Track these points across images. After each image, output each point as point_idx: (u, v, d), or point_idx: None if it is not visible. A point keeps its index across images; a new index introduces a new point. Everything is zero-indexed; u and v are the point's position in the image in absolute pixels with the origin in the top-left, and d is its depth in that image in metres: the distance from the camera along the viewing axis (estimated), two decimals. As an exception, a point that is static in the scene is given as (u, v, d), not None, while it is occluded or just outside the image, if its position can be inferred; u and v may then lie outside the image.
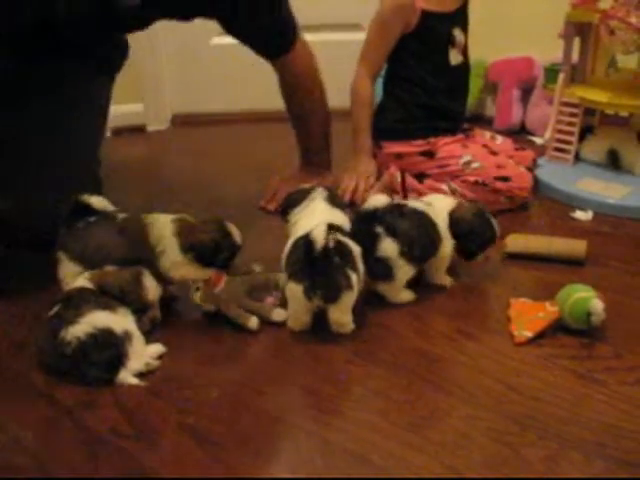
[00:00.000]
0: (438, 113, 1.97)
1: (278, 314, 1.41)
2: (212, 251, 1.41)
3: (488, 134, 2.11)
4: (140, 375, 1.26)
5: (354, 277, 1.33)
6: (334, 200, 1.50)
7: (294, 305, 1.37)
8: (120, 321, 1.27)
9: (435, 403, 1.20)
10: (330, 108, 2.79)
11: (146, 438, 1.14)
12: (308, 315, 1.37)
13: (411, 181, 1.94)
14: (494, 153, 1.98)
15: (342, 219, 1.45)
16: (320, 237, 1.29)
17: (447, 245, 1.52)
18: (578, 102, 2.12)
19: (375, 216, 1.46)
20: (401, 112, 1.97)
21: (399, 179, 1.93)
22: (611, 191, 1.98)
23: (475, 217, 1.53)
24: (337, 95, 2.82)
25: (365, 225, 1.45)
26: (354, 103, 2.01)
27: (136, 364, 1.25)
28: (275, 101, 2.82)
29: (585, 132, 2.19)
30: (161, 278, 1.41)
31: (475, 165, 1.92)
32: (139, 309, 1.35)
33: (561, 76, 2.14)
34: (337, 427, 1.15)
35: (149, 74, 2.71)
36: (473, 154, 1.94)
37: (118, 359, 1.24)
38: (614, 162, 2.12)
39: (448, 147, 1.95)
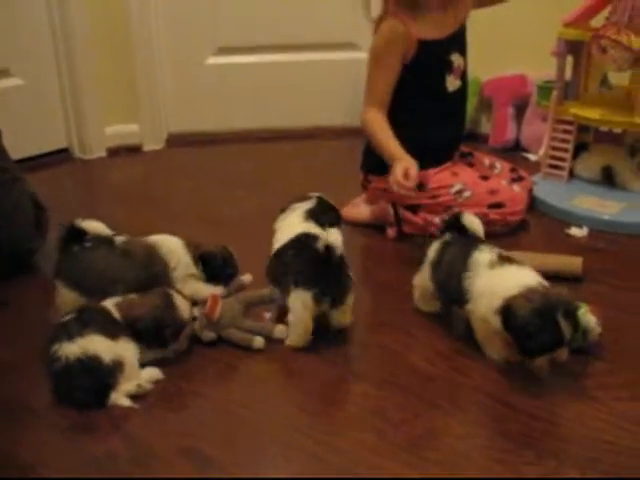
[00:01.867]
0: (430, 144, 1.89)
1: (279, 331, 1.42)
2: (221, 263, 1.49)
3: (487, 161, 2.06)
4: (135, 398, 1.26)
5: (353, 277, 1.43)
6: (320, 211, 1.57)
7: (300, 313, 1.37)
8: (115, 350, 1.26)
9: (432, 422, 1.20)
10: (326, 126, 2.85)
11: (143, 462, 1.13)
12: (312, 323, 1.39)
13: (404, 212, 1.91)
14: (485, 177, 1.94)
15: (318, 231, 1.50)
16: (340, 243, 1.35)
17: None
18: (572, 119, 2.13)
19: None
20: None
21: (391, 212, 1.91)
22: (606, 207, 1.99)
23: (534, 314, 1.24)
24: (334, 113, 2.86)
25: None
26: (368, 131, 1.86)
27: (128, 387, 1.25)
28: (270, 120, 2.87)
29: (579, 149, 2.20)
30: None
31: (467, 194, 1.87)
32: (177, 330, 1.35)
33: (554, 93, 2.16)
34: (334, 447, 1.15)
35: (145, 94, 2.71)
36: (464, 182, 1.89)
37: (104, 386, 1.23)
38: (608, 179, 2.13)
39: (437, 177, 1.90)
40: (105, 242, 1.46)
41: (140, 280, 1.41)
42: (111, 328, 1.28)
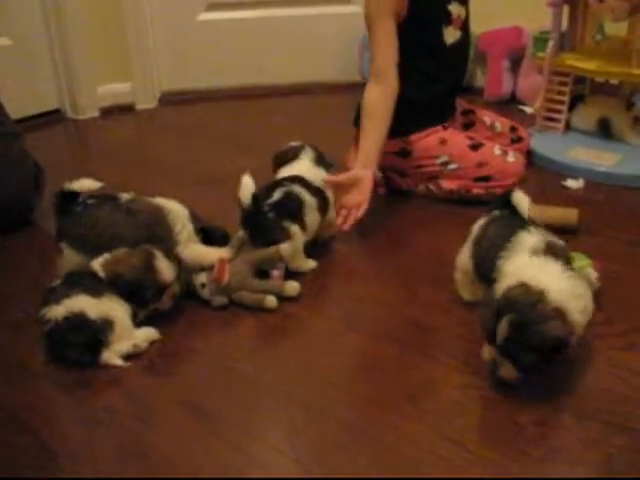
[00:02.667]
0: (430, 99, 1.85)
1: (291, 288, 1.42)
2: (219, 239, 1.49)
3: (489, 120, 2.02)
4: (132, 356, 1.27)
5: (294, 228, 1.46)
6: (320, 160, 1.63)
7: None
8: (100, 307, 1.26)
9: (429, 373, 1.21)
10: (318, 82, 2.82)
11: (144, 415, 1.15)
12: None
13: (391, 175, 1.90)
14: (476, 146, 1.84)
15: (318, 175, 1.58)
16: (244, 195, 1.42)
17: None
18: (567, 70, 2.11)
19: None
20: None
21: (379, 173, 1.85)
22: (602, 159, 1.98)
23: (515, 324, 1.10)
24: (326, 69, 2.84)
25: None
26: (362, 111, 1.73)
27: (122, 346, 1.26)
28: (263, 76, 2.84)
29: (576, 101, 2.18)
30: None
31: (453, 166, 1.82)
32: (159, 291, 1.35)
33: (550, 44, 2.13)
34: (332, 398, 1.16)
35: (136, 52, 2.68)
36: (450, 153, 1.82)
37: (95, 342, 1.24)
38: (605, 130, 2.12)
39: (423, 143, 1.84)
40: (109, 199, 1.45)
41: (142, 239, 1.40)
42: (96, 287, 1.28)
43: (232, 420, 1.13)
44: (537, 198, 1.82)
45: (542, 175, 1.98)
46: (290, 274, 1.48)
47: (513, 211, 1.34)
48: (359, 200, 1.57)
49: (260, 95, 2.77)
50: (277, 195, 1.49)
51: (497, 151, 1.85)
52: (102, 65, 2.65)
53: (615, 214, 1.75)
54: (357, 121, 1.81)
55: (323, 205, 1.57)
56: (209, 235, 1.50)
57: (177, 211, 1.46)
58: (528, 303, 1.10)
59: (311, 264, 1.54)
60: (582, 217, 1.66)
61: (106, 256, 1.35)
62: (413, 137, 1.84)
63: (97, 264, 1.33)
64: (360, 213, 1.57)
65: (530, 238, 1.24)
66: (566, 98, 2.14)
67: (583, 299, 1.15)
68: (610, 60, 2.06)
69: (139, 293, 1.32)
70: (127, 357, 1.27)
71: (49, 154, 2.17)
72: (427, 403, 1.14)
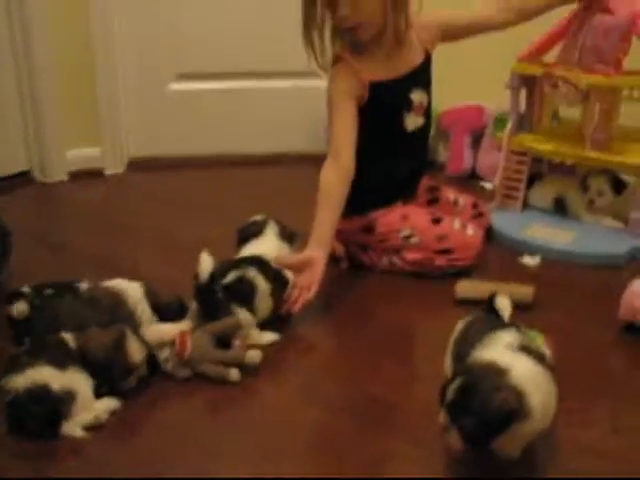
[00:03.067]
0: (389, 181, 1.91)
1: (252, 357, 1.43)
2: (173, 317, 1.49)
3: (452, 197, 2.07)
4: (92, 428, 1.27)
5: (242, 313, 1.49)
6: (284, 234, 1.68)
7: None
8: (64, 379, 1.26)
9: (388, 448, 1.23)
10: (287, 152, 2.88)
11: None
12: None
13: (354, 250, 1.94)
14: (437, 220, 1.89)
15: (282, 252, 1.63)
16: (202, 273, 1.48)
17: None
18: (525, 151, 2.20)
19: None
20: None
21: (342, 249, 1.92)
22: (558, 237, 2.05)
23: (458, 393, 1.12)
24: (294, 140, 2.90)
25: None
26: (318, 190, 1.74)
27: (83, 418, 1.26)
28: (233, 145, 2.89)
29: (533, 179, 2.26)
30: None
31: (415, 240, 1.86)
32: (127, 371, 1.35)
33: (508, 125, 2.22)
34: (290, 472, 1.17)
35: (106, 118, 2.72)
36: (412, 226, 1.87)
37: (56, 415, 1.24)
38: (560, 209, 2.20)
39: (385, 220, 1.88)
40: (68, 289, 1.47)
41: (106, 326, 1.41)
42: (62, 358, 1.29)
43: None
44: (494, 274, 1.90)
45: (500, 251, 2.04)
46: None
47: (495, 314, 1.35)
48: (310, 281, 1.59)
49: (228, 165, 2.82)
50: (230, 277, 1.52)
51: (456, 225, 1.90)
52: (72, 129, 2.69)
53: (569, 291, 1.81)
54: None
55: (280, 287, 1.58)
56: (165, 311, 1.51)
57: (135, 294, 1.48)
58: (484, 371, 1.11)
59: (269, 337, 1.56)
60: (537, 294, 1.70)
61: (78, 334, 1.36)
62: (375, 214, 1.89)
63: (70, 335, 1.34)
64: (311, 294, 1.58)
65: (508, 337, 1.23)
66: (523, 177, 2.22)
67: (547, 394, 1.15)
68: (565, 142, 2.14)
69: (107, 372, 1.33)
70: (88, 427, 1.26)
71: (16, 217, 2.18)
72: (385, 477, 1.16)
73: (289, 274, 1.62)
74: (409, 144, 1.93)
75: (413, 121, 1.90)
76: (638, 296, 1.56)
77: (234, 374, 1.40)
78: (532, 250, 1.99)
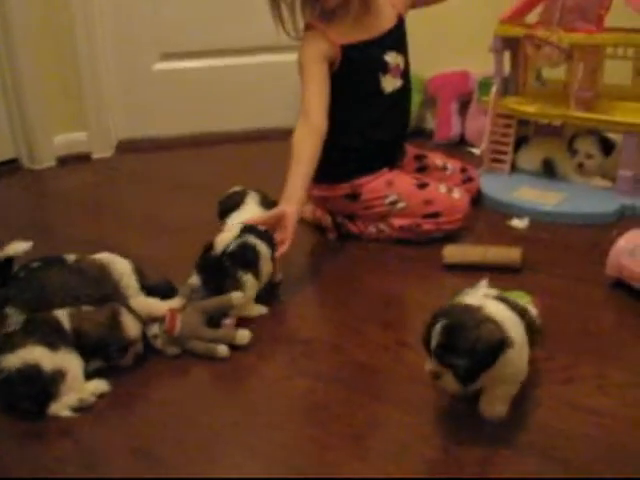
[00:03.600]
0: (372, 147, 1.90)
1: (242, 336, 1.43)
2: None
3: (440, 163, 2.07)
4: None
5: (248, 278, 1.50)
6: (266, 201, 1.67)
7: None
8: (55, 360, 1.27)
9: (375, 414, 1.23)
10: (272, 128, 2.87)
11: (95, 465, 1.15)
12: None
13: (341, 219, 1.95)
14: (423, 185, 1.89)
15: None
16: (219, 245, 1.50)
17: None
18: (511, 113, 2.19)
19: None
20: (324, 156, 1.75)
21: (329, 219, 1.94)
22: (546, 198, 2.04)
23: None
24: (279, 114, 2.89)
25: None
26: (291, 150, 1.75)
27: (69, 399, 1.26)
28: (219, 123, 2.88)
29: (520, 142, 2.26)
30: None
31: (401, 205, 1.86)
32: (124, 347, 1.36)
33: (493, 89, 2.21)
34: (279, 442, 1.18)
35: (92, 101, 2.71)
36: (398, 192, 1.87)
37: (45, 395, 1.25)
38: (549, 170, 2.20)
39: (371, 186, 1.88)
40: (56, 261, 1.46)
41: (94, 296, 1.42)
42: (54, 338, 1.29)
43: (182, 467, 1.14)
44: (483, 238, 1.90)
45: (488, 215, 2.03)
46: (239, 319, 1.50)
47: None
48: (284, 237, 1.60)
49: (215, 143, 2.82)
50: (233, 246, 1.52)
51: (442, 189, 1.90)
52: (58, 115, 2.68)
53: (558, 252, 1.81)
54: None
55: (274, 252, 1.60)
56: (153, 293, 1.50)
57: (121, 267, 1.48)
58: (462, 311, 1.14)
59: (260, 309, 1.57)
60: (526, 255, 1.71)
61: (74, 309, 1.35)
62: (360, 180, 1.88)
63: (64, 314, 1.34)
64: (285, 248, 1.59)
65: (485, 290, 1.26)
66: (510, 140, 2.21)
67: (521, 338, 1.16)
68: (550, 103, 2.14)
69: (103, 350, 1.34)
70: (77, 408, 1.27)
71: (6, 204, 2.18)
72: (372, 443, 1.17)
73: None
74: (389, 106, 1.93)
75: (391, 83, 1.91)
76: (624, 252, 1.56)
77: (222, 350, 1.40)
78: (521, 212, 1.99)
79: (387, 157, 1.96)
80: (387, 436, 1.18)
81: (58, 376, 1.25)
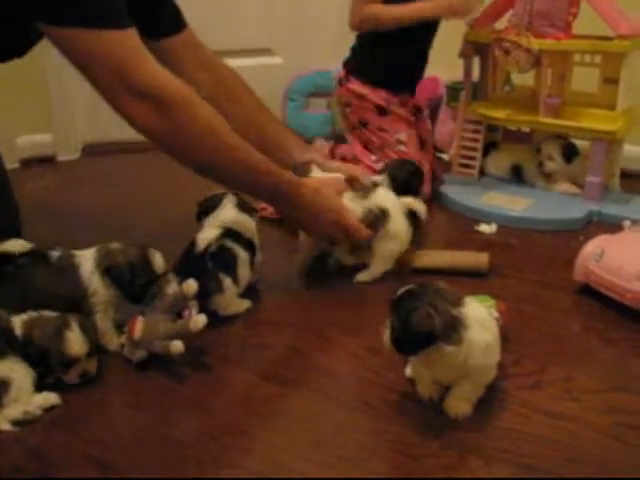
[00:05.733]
0: (403, 70, 2.15)
1: (195, 323, 1.37)
2: (129, 274, 1.40)
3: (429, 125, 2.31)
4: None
5: (227, 281, 1.49)
6: (243, 206, 1.63)
7: None
8: (0, 368, 1.22)
9: (338, 419, 1.21)
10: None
11: (50, 473, 1.11)
12: None
13: (339, 149, 2.21)
14: (423, 142, 2.17)
15: (245, 224, 1.59)
16: (202, 242, 1.49)
17: None
18: (480, 119, 2.19)
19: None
20: (372, 59, 2.13)
21: (326, 147, 2.22)
22: (514, 204, 2.05)
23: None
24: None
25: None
26: (379, 17, 2.03)
27: (13, 411, 1.21)
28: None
29: (489, 148, 2.26)
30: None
31: (401, 148, 2.11)
32: (65, 363, 1.30)
33: (462, 94, 2.21)
34: (241, 448, 1.15)
35: (57, 102, 2.67)
36: (408, 138, 2.13)
37: None
38: (517, 176, 2.20)
39: (398, 114, 2.14)
40: (40, 258, 1.41)
41: (74, 297, 1.38)
42: (2, 346, 1.24)
43: (140, 473, 1.11)
44: (451, 243, 1.90)
45: (456, 220, 2.03)
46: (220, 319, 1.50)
47: None
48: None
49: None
50: (213, 247, 1.51)
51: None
52: (22, 115, 2.63)
53: (526, 257, 1.81)
54: (350, 64, 2.23)
55: (253, 257, 1.59)
56: (116, 277, 1.43)
57: (89, 266, 1.42)
58: (433, 289, 1.16)
59: (246, 304, 1.57)
60: (493, 260, 1.70)
61: (30, 315, 1.31)
62: (395, 107, 2.15)
63: (19, 321, 1.29)
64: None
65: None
66: (479, 145, 2.22)
67: (491, 341, 1.18)
68: (519, 108, 2.14)
69: (45, 360, 1.28)
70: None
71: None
72: (336, 449, 1.14)
73: (257, 242, 1.62)
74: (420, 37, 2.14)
75: None
76: (591, 258, 1.55)
77: (176, 346, 1.34)
78: (489, 218, 1.99)
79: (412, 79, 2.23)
80: (352, 442, 1.16)
81: (1, 386, 1.20)
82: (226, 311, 1.53)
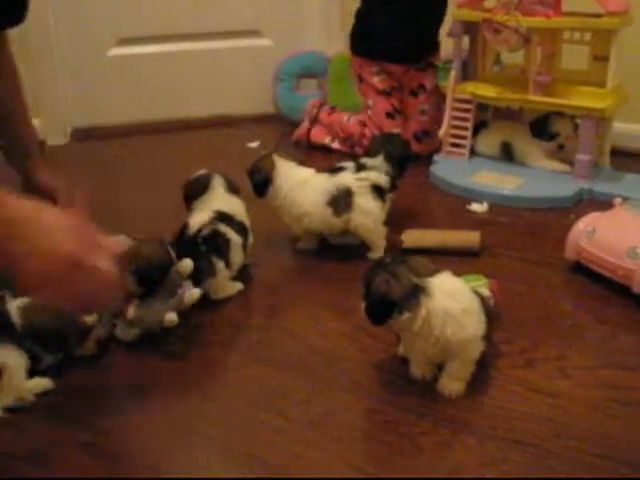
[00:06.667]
0: (382, 36, 2.31)
1: (191, 295, 1.39)
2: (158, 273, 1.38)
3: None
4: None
5: (220, 264, 1.49)
6: (232, 187, 1.63)
7: None
8: None
9: (332, 400, 1.21)
10: (232, 114, 2.84)
11: (40, 459, 1.11)
12: None
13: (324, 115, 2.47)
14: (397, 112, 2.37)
15: (236, 207, 1.60)
16: (194, 226, 1.50)
17: None
18: (469, 98, 2.18)
19: None
20: (355, 26, 2.40)
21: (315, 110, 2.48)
22: (505, 182, 2.04)
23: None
24: (238, 102, 2.86)
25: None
26: None
27: (5, 398, 1.21)
28: (176, 110, 2.84)
29: (479, 127, 2.25)
30: None
31: (369, 112, 2.38)
32: (81, 335, 1.31)
33: (452, 73, 2.20)
34: (236, 430, 1.16)
35: (45, 88, 2.64)
36: (374, 104, 2.35)
37: None
38: (507, 154, 2.20)
39: (369, 83, 2.36)
40: None
41: None
42: None
43: (135, 459, 1.11)
44: (442, 222, 1.90)
45: (447, 200, 2.03)
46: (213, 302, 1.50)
47: None
48: None
49: (175, 129, 2.77)
50: (206, 231, 1.51)
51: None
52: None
53: (517, 235, 1.80)
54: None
55: (245, 241, 1.59)
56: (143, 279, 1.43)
57: None
58: (402, 259, 1.18)
59: (238, 286, 1.57)
60: (485, 239, 1.70)
61: (25, 301, 1.29)
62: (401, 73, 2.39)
63: (15, 308, 1.28)
64: None
65: None
66: (469, 124, 2.21)
67: (469, 314, 1.19)
68: (509, 87, 2.13)
69: (61, 340, 1.29)
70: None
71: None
72: (330, 430, 1.14)
73: (248, 224, 1.62)
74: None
75: None
76: (582, 235, 1.56)
77: (170, 317, 1.35)
78: (480, 197, 1.98)
79: (411, 52, 2.35)
80: (346, 423, 1.16)
81: None
82: (218, 295, 1.53)
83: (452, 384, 1.21)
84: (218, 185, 1.63)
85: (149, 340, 1.38)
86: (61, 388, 1.27)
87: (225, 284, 1.54)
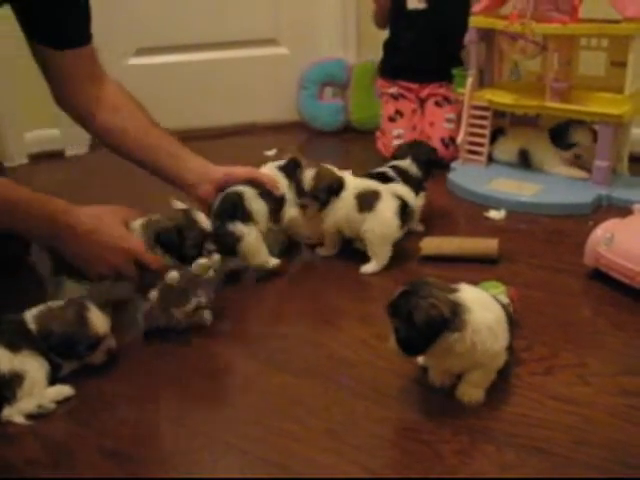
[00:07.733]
0: (402, 58, 2.48)
1: (172, 278, 1.39)
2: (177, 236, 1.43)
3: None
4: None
5: (239, 227, 1.58)
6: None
7: None
8: (14, 362, 1.22)
9: (351, 407, 1.22)
10: (255, 122, 2.85)
11: (64, 466, 1.12)
12: None
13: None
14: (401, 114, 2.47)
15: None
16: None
17: None
18: (487, 105, 2.18)
19: None
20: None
21: None
22: (523, 189, 2.04)
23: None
24: (255, 110, 2.87)
25: None
26: None
27: (27, 405, 1.22)
28: (193, 119, 2.85)
29: (497, 133, 2.25)
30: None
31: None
32: (92, 344, 1.32)
33: (469, 80, 2.20)
34: (255, 437, 1.16)
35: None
36: (404, 128, 2.43)
37: None
38: (525, 161, 2.19)
39: (387, 94, 2.50)
40: None
41: None
42: (17, 340, 1.25)
43: (155, 464, 1.12)
44: (460, 229, 1.90)
45: (465, 207, 2.03)
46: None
47: None
48: None
49: (194, 139, 2.78)
50: (216, 203, 1.61)
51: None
52: (29, 110, 2.63)
53: (535, 242, 1.80)
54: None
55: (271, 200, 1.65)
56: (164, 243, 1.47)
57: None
58: (428, 283, 1.16)
59: (274, 262, 1.63)
60: (503, 246, 1.70)
61: (41, 308, 1.31)
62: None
63: (31, 315, 1.30)
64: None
65: None
66: (487, 131, 2.21)
67: (495, 323, 1.18)
68: (526, 94, 2.13)
69: (71, 349, 1.30)
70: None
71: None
72: (348, 437, 1.15)
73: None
74: (415, 27, 2.42)
75: (413, 2, 2.41)
76: (600, 242, 1.55)
77: (172, 276, 1.38)
78: (497, 204, 1.98)
79: (422, 73, 2.46)
80: (364, 430, 1.16)
81: (15, 379, 1.21)
82: (253, 260, 1.60)
83: (472, 392, 1.21)
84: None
85: (168, 340, 1.41)
86: (82, 395, 1.28)
87: (259, 249, 1.60)
